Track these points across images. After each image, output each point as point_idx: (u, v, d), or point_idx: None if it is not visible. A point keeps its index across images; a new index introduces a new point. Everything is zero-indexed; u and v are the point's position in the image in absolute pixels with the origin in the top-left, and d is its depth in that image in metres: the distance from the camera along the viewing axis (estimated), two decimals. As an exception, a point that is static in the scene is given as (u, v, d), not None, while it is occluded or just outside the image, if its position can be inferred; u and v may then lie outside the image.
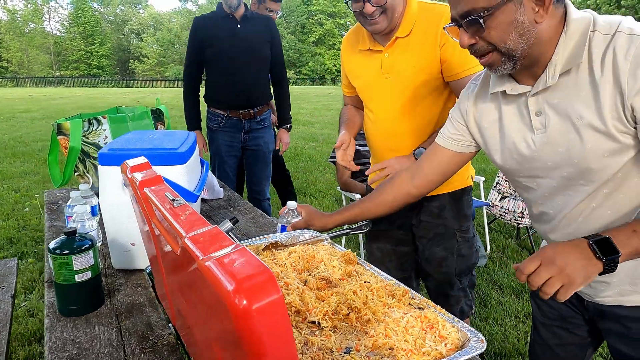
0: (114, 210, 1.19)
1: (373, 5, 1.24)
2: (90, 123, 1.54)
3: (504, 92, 0.91)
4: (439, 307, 0.78)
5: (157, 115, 1.67)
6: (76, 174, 1.60)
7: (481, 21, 0.79)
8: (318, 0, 50.69)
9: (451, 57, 1.30)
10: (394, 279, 0.88)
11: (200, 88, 2.67)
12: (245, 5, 2.53)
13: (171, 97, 20.46)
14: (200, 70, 2.59)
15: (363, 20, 1.32)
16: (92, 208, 1.39)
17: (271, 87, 2.77)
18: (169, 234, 0.58)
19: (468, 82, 1.08)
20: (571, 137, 0.82)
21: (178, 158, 1.20)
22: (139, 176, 0.74)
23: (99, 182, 1.20)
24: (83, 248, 1.03)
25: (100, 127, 1.55)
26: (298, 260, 0.94)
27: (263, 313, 0.37)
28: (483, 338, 0.68)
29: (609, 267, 0.72)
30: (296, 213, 1.28)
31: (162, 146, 1.22)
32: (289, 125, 2.80)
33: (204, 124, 2.69)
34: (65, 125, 1.54)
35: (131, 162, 0.83)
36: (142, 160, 0.84)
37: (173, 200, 0.60)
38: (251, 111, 2.61)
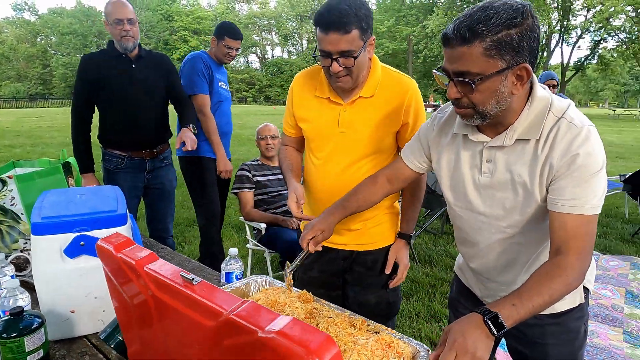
0: (50, 278, 1.15)
1: (340, 66, 1.30)
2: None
3: (465, 136, 1.10)
4: (389, 328, 0.98)
5: (67, 169, 1.59)
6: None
7: (473, 85, 0.93)
8: (180, 17, 49.12)
9: (410, 134, 1.43)
10: (347, 310, 1.06)
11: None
12: (139, 44, 2.48)
13: (13, 122, 17.71)
14: (91, 110, 2.45)
15: (329, 77, 1.37)
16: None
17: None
18: (197, 311, 0.68)
19: (434, 113, 1.25)
20: (509, 187, 1.05)
21: (119, 220, 1.21)
22: (132, 255, 0.79)
23: (32, 251, 1.14)
24: (33, 327, 0.99)
25: (5, 188, 1.42)
26: (266, 306, 1.06)
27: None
28: (428, 348, 0.91)
29: (499, 337, 0.88)
30: (238, 260, 1.38)
31: (100, 209, 1.22)
32: (191, 125, 2.62)
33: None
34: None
35: (106, 242, 0.86)
36: (117, 237, 0.88)
37: (192, 279, 0.70)
38: (154, 150, 2.57)
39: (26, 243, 1.52)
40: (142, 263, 0.78)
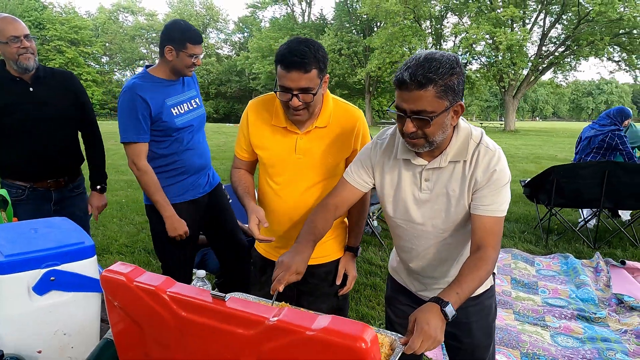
0: (16, 319, 1.09)
1: (300, 101, 1.40)
2: None
3: (407, 160, 1.31)
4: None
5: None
6: None
7: (430, 121, 1.13)
8: (54, 25, 44.39)
9: None
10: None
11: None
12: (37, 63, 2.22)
13: None
14: None
15: (287, 110, 1.47)
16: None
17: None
18: (231, 324, 0.77)
19: (374, 138, 1.43)
20: (445, 201, 1.29)
21: (88, 251, 1.20)
22: (149, 282, 0.85)
23: (-7, 294, 1.07)
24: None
25: None
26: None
27: (374, 344, 0.67)
28: (402, 337, 1.09)
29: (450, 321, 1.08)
30: (205, 281, 1.42)
31: (67, 242, 1.18)
32: (102, 186, 2.57)
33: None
34: None
35: (113, 273, 0.89)
36: (123, 267, 0.91)
37: (224, 297, 0.78)
38: (61, 180, 2.37)
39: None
40: (163, 288, 0.84)
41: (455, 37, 33.58)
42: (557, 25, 29.58)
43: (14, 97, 2.18)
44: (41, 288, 1.11)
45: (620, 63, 29.29)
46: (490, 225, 1.24)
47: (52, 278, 1.12)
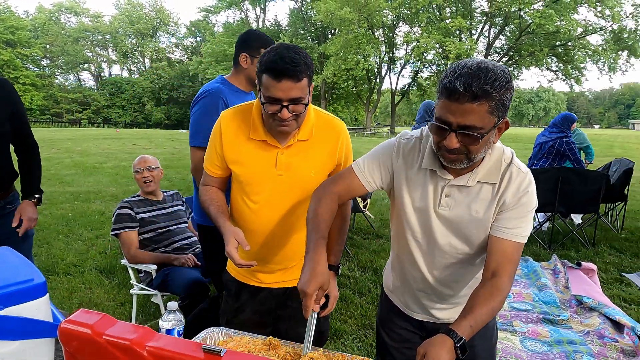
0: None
1: (290, 112, 1.30)
2: None
3: (433, 170, 1.19)
4: (365, 358, 1.05)
5: None
6: None
7: (480, 138, 1.02)
8: (-13, 25, 41.29)
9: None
10: (320, 348, 1.09)
11: None
12: None
13: None
14: None
15: (273, 122, 1.34)
16: None
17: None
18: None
19: (395, 138, 1.29)
20: (465, 220, 1.19)
21: (39, 290, 1.02)
22: (123, 335, 0.70)
23: None
24: None
25: None
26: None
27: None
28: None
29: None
30: (177, 314, 1.27)
31: (11, 280, 1.00)
32: (37, 197, 2.24)
33: None
34: None
35: (75, 324, 0.74)
36: (86, 315, 0.76)
37: (219, 351, 0.66)
38: None
39: None
40: (141, 342, 0.69)
41: (407, 45, 34.57)
42: (501, 37, 31.27)
43: None
44: (-20, 339, 0.92)
45: (557, 72, 31.37)
46: (510, 250, 1.15)
47: (-7, 326, 0.93)
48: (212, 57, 40.10)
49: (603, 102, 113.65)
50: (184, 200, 3.08)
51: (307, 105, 1.34)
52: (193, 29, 55.09)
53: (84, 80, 56.04)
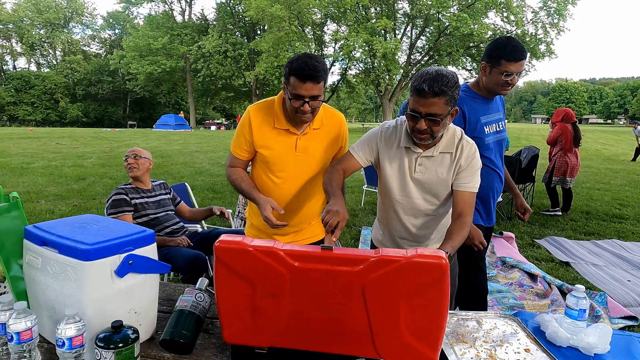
0: (101, 302, 1.22)
1: (310, 107, 1.68)
2: None
3: (407, 147, 1.68)
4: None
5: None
6: None
7: (440, 121, 1.51)
8: None
9: (341, 154, 1.93)
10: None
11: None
12: None
13: None
14: None
15: (296, 114, 1.72)
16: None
17: None
18: (341, 265, 1.07)
19: (378, 127, 1.78)
20: (434, 182, 1.69)
21: (151, 238, 1.35)
22: (264, 244, 1.11)
23: (78, 279, 1.18)
24: (135, 336, 1.12)
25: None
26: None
27: (447, 263, 1.05)
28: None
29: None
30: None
31: (130, 231, 1.32)
32: None
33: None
34: None
35: (229, 243, 1.12)
36: (231, 237, 1.15)
37: (331, 247, 1.09)
38: None
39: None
40: (277, 247, 1.10)
41: (336, 43, 35.66)
42: (422, 37, 33.44)
43: None
44: (122, 271, 1.25)
45: (471, 71, 34.30)
46: (468, 198, 1.67)
47: (130, 262, 1.26)
48: (136, 52, 38.14)
49: (510, 98, 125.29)
50: (171, 188, 3.34)
51: (322, 101, 1.76)
52: (111, 20, 51.71)
53: (-18, 74, 50.25)
